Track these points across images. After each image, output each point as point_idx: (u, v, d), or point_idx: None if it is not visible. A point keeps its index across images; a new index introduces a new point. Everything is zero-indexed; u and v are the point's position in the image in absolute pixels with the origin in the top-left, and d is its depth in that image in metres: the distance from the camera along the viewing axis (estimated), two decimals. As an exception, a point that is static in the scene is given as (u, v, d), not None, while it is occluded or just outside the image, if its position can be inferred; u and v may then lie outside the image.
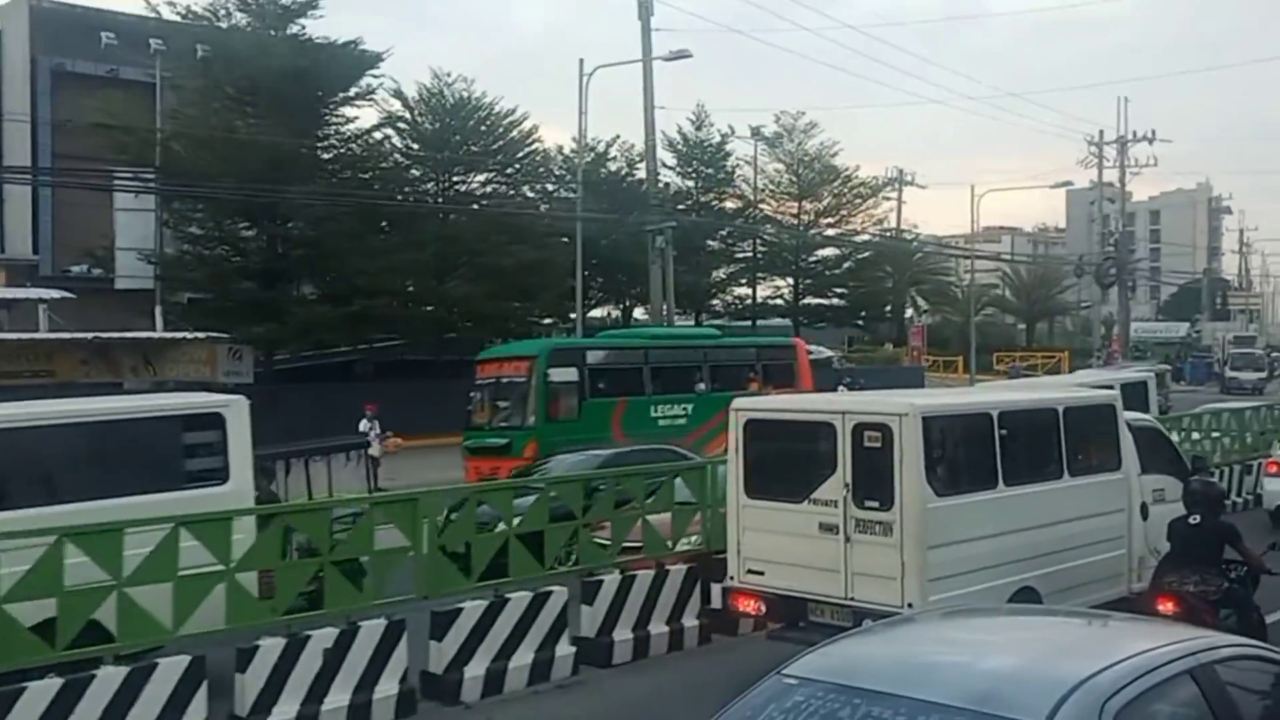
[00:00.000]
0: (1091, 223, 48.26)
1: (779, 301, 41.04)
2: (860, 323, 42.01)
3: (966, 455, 7.84)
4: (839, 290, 40.28)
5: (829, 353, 46.76)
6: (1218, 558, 7.75)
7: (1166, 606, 7.38)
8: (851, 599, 7.29)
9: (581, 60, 27.68)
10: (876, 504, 7.18)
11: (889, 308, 42.20)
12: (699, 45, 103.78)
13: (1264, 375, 45.63)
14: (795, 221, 38.82)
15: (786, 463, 8.08)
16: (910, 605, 6.87)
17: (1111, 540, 8.83)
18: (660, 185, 28.90)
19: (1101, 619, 4.38)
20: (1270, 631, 7.44)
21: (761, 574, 7.88)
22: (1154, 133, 46.26)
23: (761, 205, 38.71)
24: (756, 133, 38.03)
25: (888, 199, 40.01)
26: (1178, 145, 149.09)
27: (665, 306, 23.00)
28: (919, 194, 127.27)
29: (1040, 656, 3.53)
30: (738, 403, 8.52)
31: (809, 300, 40.99)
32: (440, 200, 27.48)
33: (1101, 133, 46.85)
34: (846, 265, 40.06)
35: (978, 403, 8.22)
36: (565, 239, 27.68)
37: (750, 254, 36.00)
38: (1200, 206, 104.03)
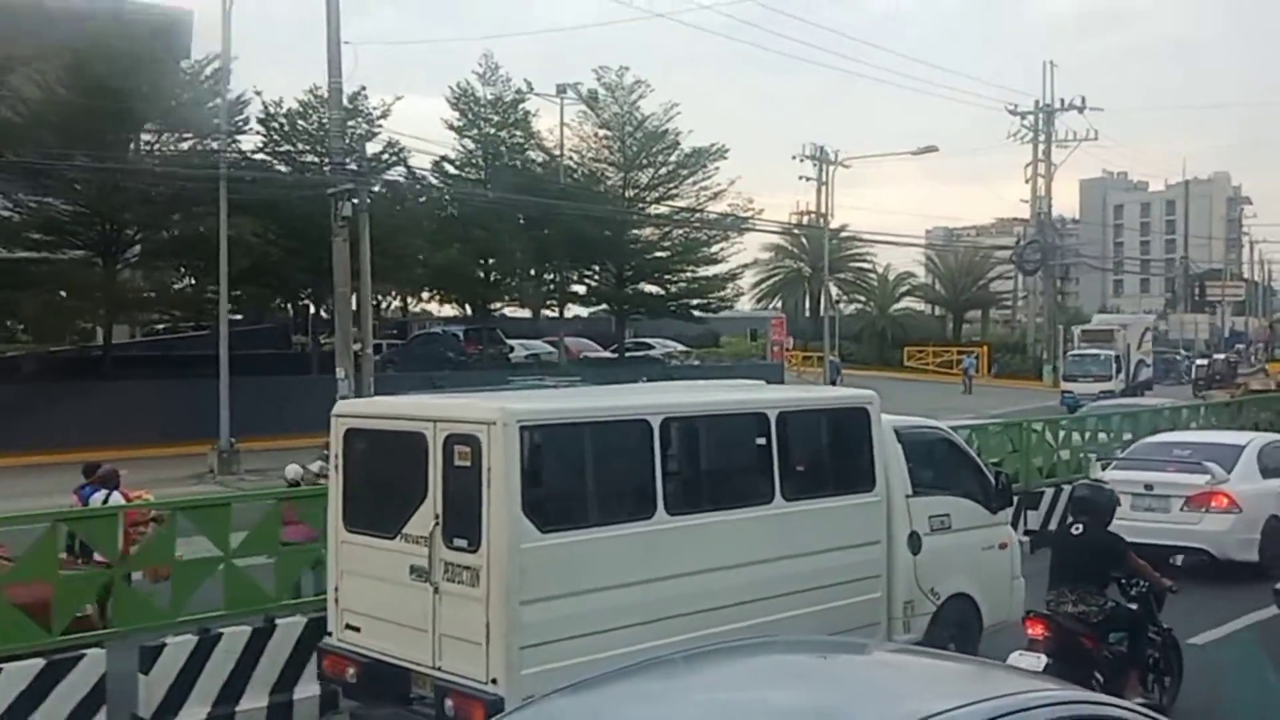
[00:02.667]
0: (1036, 203, 49.12)
1: (580, 289, 41.03)
2: (698, 313, 41.64)
3: (601, 476, 7.25)
4: (672, 276, 39.52)
5: (673, 346, 46.95)
6: (1103, 574, 7.88)
7: (1035, 631, 7.45)
8: (439, 668, 6.62)
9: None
10: (465, 542, 6.43)
11: (725, 295, 41.94)
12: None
13: (1108, 388, 37.54)
14: (623, 195, 38.06)
15: (382, 485, 7.44)
16: (495, 681, 6.05)
17: (859, 581, 8.36)
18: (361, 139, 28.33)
19: (909, 657, 4.59)
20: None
21: (359, 630, 7.17)
22: (1083, 100, 48.50)
23: (575, 175, 38.09)
24: (564, 90, 37.54)
25: (717, 167, 39.52)
26: (1199, 140, 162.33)
27: (357, 292, 21.65)
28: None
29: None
30: (340, 406, 7.77)
31: (647, 288, 40.41)
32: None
33: (1038, 103, 48.01)
34: (671, 245, 39.36)
35: (626, 407, 7.52)
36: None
37: (550, 233, 34.91)
38: (1219, 197, 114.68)
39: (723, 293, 41.78)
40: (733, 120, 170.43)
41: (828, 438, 8.62)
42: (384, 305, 44.15)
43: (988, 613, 9.21)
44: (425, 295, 43.47)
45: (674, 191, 39.35)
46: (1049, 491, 15.11)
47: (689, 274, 39.49)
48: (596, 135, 38.85)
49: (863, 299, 66.76)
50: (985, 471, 9.76)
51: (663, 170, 39.10)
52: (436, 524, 6.60)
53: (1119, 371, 41.08)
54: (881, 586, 8.51)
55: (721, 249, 40.44)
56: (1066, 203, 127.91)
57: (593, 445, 7.04)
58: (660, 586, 6.96)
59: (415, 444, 6.75)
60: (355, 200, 20.37)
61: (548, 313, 42.61)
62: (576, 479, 7.07)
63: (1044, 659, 7.19)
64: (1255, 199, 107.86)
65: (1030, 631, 7.53)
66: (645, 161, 38.80)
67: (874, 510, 8.47)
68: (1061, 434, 16.86)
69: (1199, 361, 48.28)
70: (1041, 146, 50.48)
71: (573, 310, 43.45)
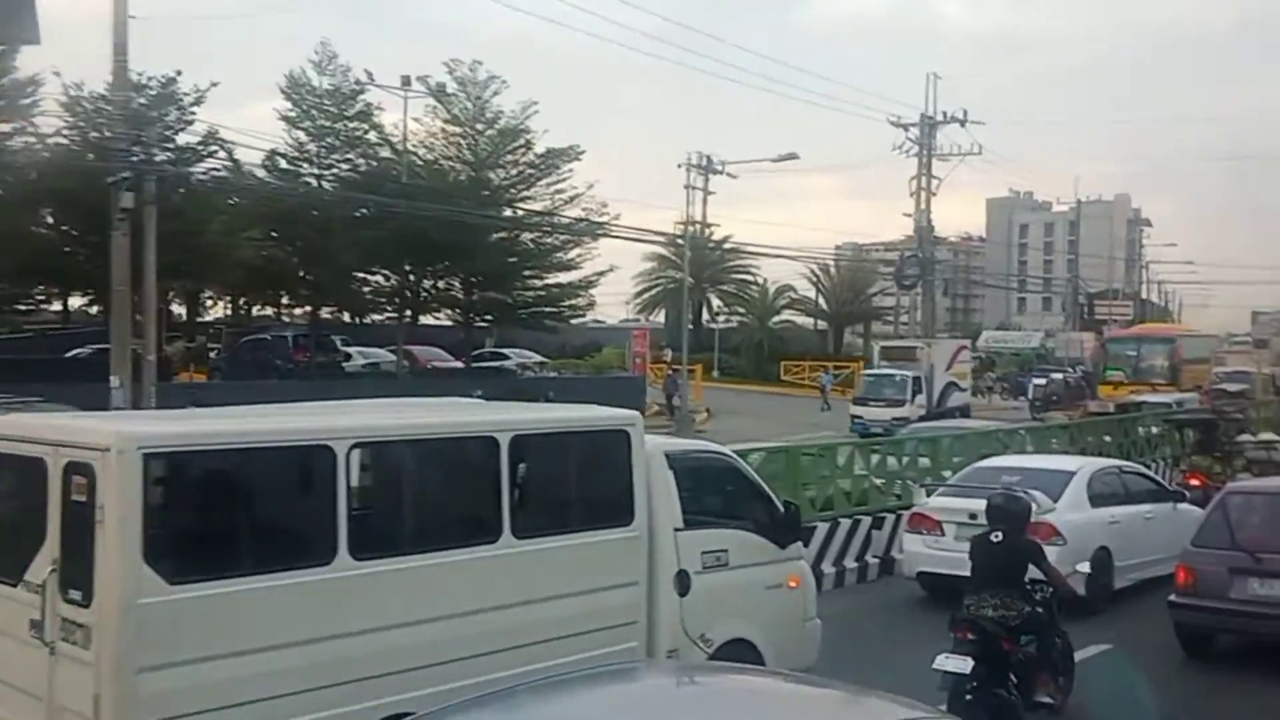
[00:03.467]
0: (917, 217, 50.02)
1: (420, 294, 40.33)
2: (551, 321, 41.24)
3: (261, 514, 6.54)
4: (520, 282, 38.98)
5: (530, 357, 46.49)
6: (1020, 579, 8.67)
7: (962, 634, 8.25)
8: None
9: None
10: (79, 595, 5.69)
11: (577, 304, 41.74)
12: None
13: (902, 414, 34.86)
14: (473, 196, 37.58)
15: (5, 520, 6.68)
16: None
17: (611, 629, 7.84)
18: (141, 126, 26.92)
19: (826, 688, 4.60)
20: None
21: None
22: (965, 113, 49.46)
23: (422, 174, 37.50)
24: (408, 83, 37.01)
25: (571, 169, 39.50)
26: (1109, 164, 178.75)
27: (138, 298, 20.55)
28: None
29: None
30: None
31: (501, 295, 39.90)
32: None
33: (924, 116, 49.12)
34: (521, 250, 38.95)
35: (299, 430, 6.75)
36: None
37: (389, 233, 34.04)
38: (1119, 218, 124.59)
39: (575, 301, 41.27)
40: (649, 132, 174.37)
41: (576, 464, 8.09)
42: (210, 307, 42.62)
43: (773, 659, 8.77)
44: (258, 298, 42.00)
45: (526, 194, 38.94)
46: (822, 526, 14.28)
47: (540, 280, 38.75)
48: (445, 132, 38.15)
49: (743, 311, 67.45)
50: (774, 501, 9.34)
51: (514, 171, 38.61)
52: (53, 571, 5.83)
53: (917, 395, 37.43)
54: (639, 634, 8.01)
55: (578, 255, 40.03)
56: (974, 221, 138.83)
57: (249, 476, 6.31)
58: (346, 645, 6.30)
59: (37, 472, 5.99)
60: (135, 190, 19.12)
61: (430, 319, 42.02)
62: (224, 518, 6.31)
63: (970, 661, 8.01)
64: (1155, 221, 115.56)
65: (957, 635, 8.32)
66: (496, 161, 38.29)
67: (631, 547, 7.97)
68: (876, 458, 16.52)
69: (1036, 380, 47.68)
70: (926, 159, 51.36)
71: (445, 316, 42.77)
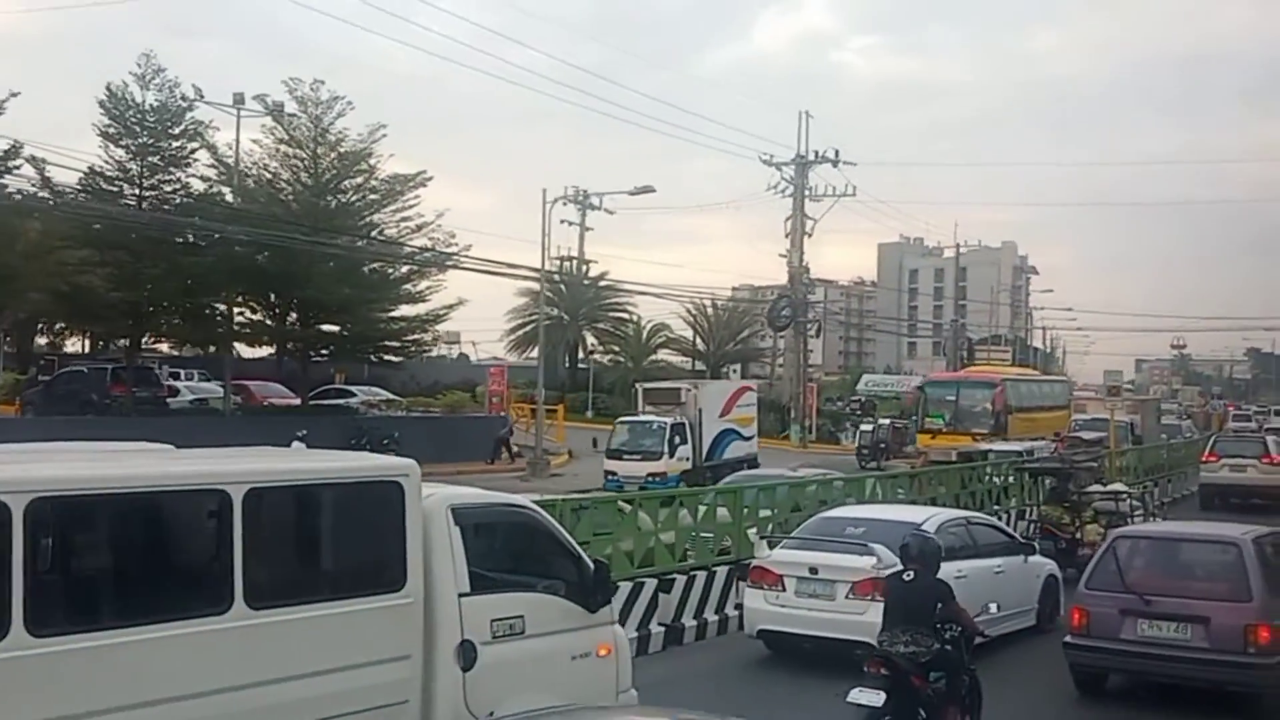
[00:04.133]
0: (791, 257, 50.84)
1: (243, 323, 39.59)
2: (380, 356, 40.57)
3: None
4: (354, 315, 38.11)
5: (379, 395, 45.66)
6: (930, 617, 9.37)
7: (875, 669, 8.94)
8: None
9: None
10: None
11: (422, 340, 41.67)
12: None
13: (659, 469, 31.87)
14: (310, 222, 36.90)
15: None
16: None
17: (374, 710, 7.24)
18: None
19: None
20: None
21: None
22: (837, 153, 52.29)
23: (259, 197, 36.78)
24: (241, 101, 36.38)
25: (417, 196, 39.11)
26: (1000, 212, 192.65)
27: None
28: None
29: None
30: None
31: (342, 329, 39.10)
32: None
33: (798, 156, 50.35)
34: (358, 280, 37.98)
35: None
36: None
37: (215, 259, 33.02)
38: (1005, 265, 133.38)
39: (420, 336, 40.53)
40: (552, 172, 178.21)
41: (335, 521, 7.50)
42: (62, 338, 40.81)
43: None
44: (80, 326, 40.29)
45: (367, 221, 38.30)
46: (650, 583, 13.81)
47: (380, 313, 37.82)
48: (282, 153, 37.44)
49: (618, 350, 67.56)
50: (583, 559, 8.86)
51: (355, 196, 38.01)
52: None
53: (678, 446, 32.94)
54: (411, 715, 7.42)
55: (427, 287, 39.46)
56: (865, 266, 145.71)
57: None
58: None
59: None
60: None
61: (256, 351, 41.19)
62: None
63: (883, 695, 8.68)
64: (1046, 271, 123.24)
65: (870, 669, 8.97)
66: (336, 185, 37.65)
67: (402, 615, 7.40)
68: (704, 509, 16.15)
69: (863, 428, 47.43)
70: (799, 199, 52.87)
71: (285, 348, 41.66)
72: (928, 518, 13.87)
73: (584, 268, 67.74)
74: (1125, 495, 20.07)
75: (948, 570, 12.63)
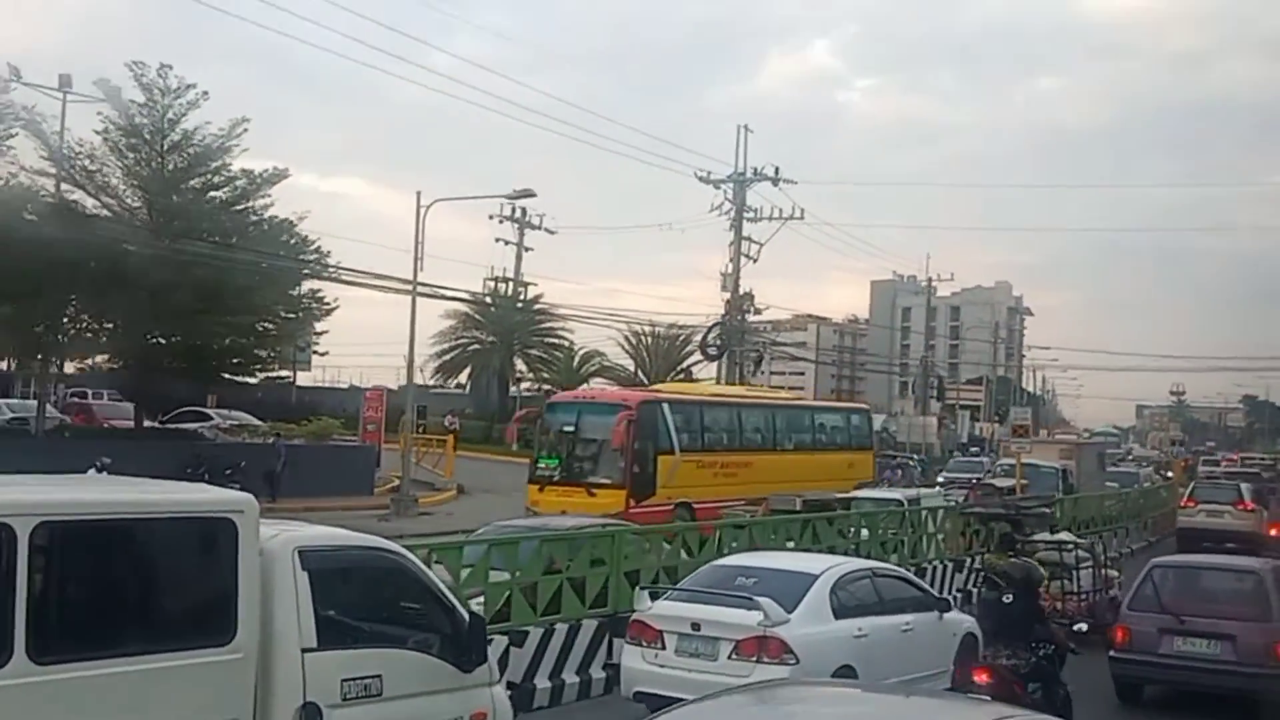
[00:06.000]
0: (727, 282, 51.34)
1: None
2: (233, 376, 40.41)
3: None
4: (192, 326, 37.65)
5: (242, 419, 45.06)
6: (1028, 635, 12.14)
7: (981, 678, 11.31)
8: None
9: None
10: None
11: (264, 355, 41.55)
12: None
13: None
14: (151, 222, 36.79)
15: None
16: None
17: None
18: None
19: (933, 696, 8.44)
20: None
21: None
22: (777, 170, 53.11)
23: (87, 188, 36.54)
24: (68, 84, 36.57)
25: (269, 196, 39.09)
26: (999, 254, 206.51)
27: None
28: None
29: None
30: None
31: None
32: None
33: (736, 173, 51.99)
34: (196, 288, 37.29)
35: None
36: None
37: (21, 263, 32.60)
38: (1000, 304, 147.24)
39: (263, 351, 40.46)
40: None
41: (149, 563, 7.39)
42: None
43: None
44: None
45: (212, 222, 38.00)
46: (535, 632, 14.20)
47: (218, 324, 37.22)
48: (116, 145, 36.97)
49: (548, 376, 69.21)
50: (456, 611, 8.84)
51: (206, 195, 38.02)
52: None
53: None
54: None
55: (305, 298, 39.15)
56: (858, 304, 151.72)
57: None
58: None
59: None
60: None
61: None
62: None
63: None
64: (1043, 314, 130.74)
65: (977, 679, 11.28)
66: (182, 182, 37.53)
67: (229, 673, 7.34)
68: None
69: None
70: (739, 219, 54.24)
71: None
72: (825, 569, 14.05)
73: (522, 290, 68.09)
74: (1071, 545, 20.49)
75: (843, 629, 13.28)
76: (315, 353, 50.83)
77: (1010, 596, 12.39)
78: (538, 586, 14.53)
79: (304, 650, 7.65)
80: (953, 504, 27.70)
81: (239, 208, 38.37)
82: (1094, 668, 15.04)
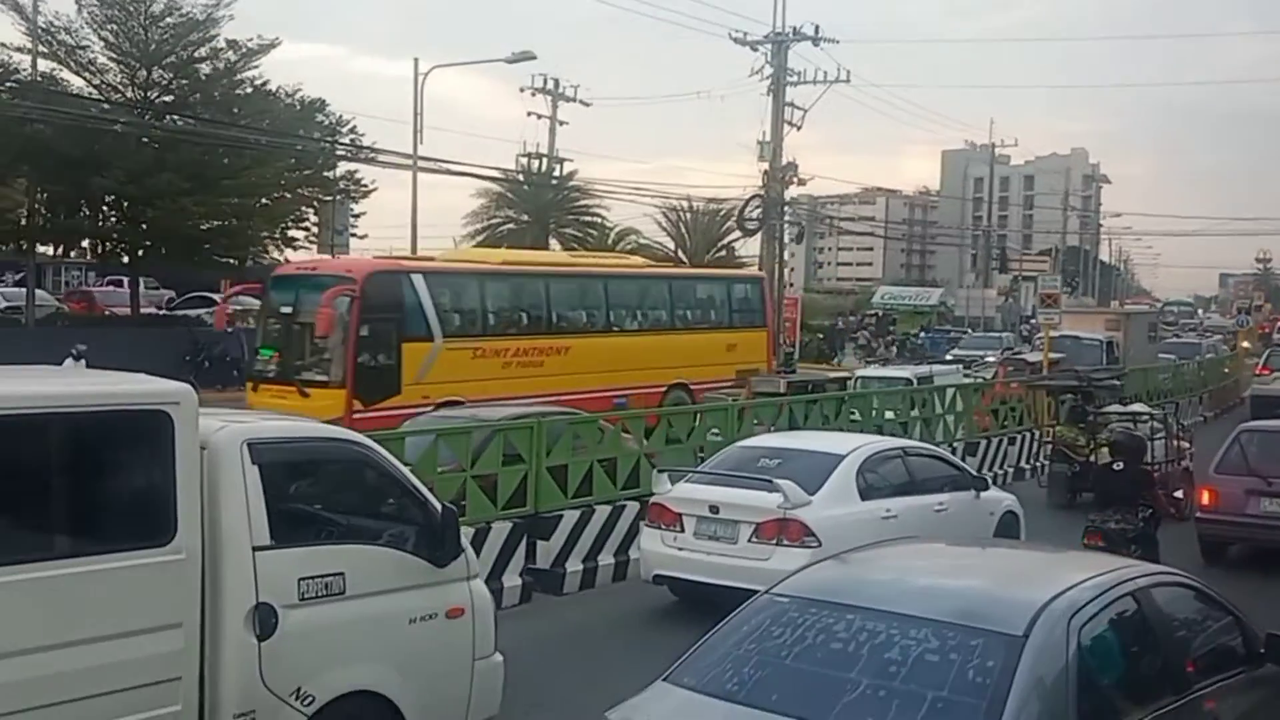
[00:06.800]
0: (764, 151, 50.73)
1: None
2: (222, 258, 41.02)
3: None
4: (173, 206, 37.76)
5: (247, 304, 45.77)
6: (1135, 500, 14.01)
7: (1094, 540, 13.42)
8: None
9: None
10: None
11: (255, 235, 41.91)
12: None
13: None
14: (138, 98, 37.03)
15: None
16: None
17: (135, 690, 7.20)
18: None
19: (1047, 551, 9.21)
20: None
21: None
22: (817, 29, 51.92)
23: (69, 64, 36.82)
24: None
25: (258, 69, 39.39)
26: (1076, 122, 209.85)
27: None
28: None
29: (1005, 580, 7.09)
30: None
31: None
32: None
33: (774, 33, 51.44)
34: (180, 166, 37.28)
35: None
36: None
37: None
38: (1076, 172, 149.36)
39: (257, 231, 40.76)
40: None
41: (77, 461, 7.33)
42: None
43: (421, 714, 8.44)
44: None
45: (197, 96, 38.30)
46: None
47: (198, 204, 37.21)
48: (94, 17, 37.14)
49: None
50: (429, 504, 8.83)
51: (192, 68, 38.05)
52: None
53: None
54: (185, 694, 7.41)
55: (343, 179, 39.22)
56: (928, 175, 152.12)
57: None
58: None
59: None
60: None
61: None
62: None
63: None
64: (1115, 181, 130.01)
65: (1087, 540, 13.45)
66: (164, 56, 37.51)
67: (169, 575, 7.33)
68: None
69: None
70: (779, 84, 52.89)
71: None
72: (853, 449, 14.38)
73: (556, 166, 67.58)
74: (1146, 416, 21.28)
75: (870, 510, 13.65)
76: (354, 235, 50.67)
77: (1120, 464, 14.31)
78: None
79: (255, 548, 7.66)
80: (979, 380, 28.83)
81: (226, 81, 38.52)
82: (1173, 533, 15.70)
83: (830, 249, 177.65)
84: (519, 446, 15.20)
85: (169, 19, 37.17)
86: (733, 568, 12.86)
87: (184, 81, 37.82)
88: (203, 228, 38.36)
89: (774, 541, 12.88)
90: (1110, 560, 7.94)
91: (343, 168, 42.65)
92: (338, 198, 42.55)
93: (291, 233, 42.49)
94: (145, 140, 34.32)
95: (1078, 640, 6.04)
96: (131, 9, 36.66)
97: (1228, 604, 7.58)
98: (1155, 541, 13.75)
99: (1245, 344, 56.95)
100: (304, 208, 42.28)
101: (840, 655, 6.14)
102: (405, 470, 9.15)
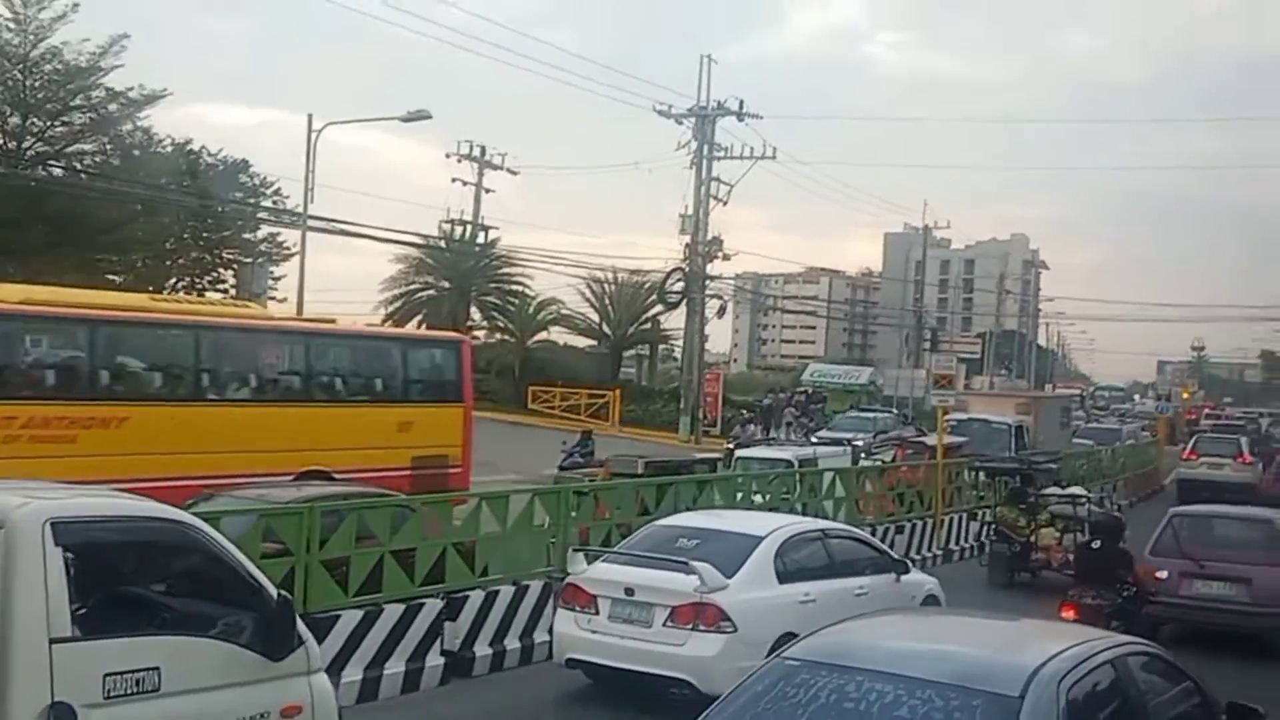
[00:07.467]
0: (688, 224, 51.26)
1: None
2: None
3: None
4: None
5: None
6: (1113, 578, 15.00)
7: (1068, 614, 14.15)
8: None
9: None
10: None
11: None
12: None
13: None
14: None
15: None
16: None
17: None
18: None
19: (1029, 623, 9.10)
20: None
21: None
22: (742, 104, 52.67)
23: None
24: None
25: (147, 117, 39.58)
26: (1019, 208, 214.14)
27: None
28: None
29: (998, 648, 7.67)
30: None
31: None
32: None
33: (696, 106, 52.59)
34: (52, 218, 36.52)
35: None
36: None
37: None
38: (1016, 257, 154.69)
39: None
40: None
41: None
42: None
43: None
44: None
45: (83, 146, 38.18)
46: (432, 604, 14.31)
47: (69, 261, 36.26)
48: None
49: (502, 324, 69.61)
50: (263, 591, 8.40)
51: (77, 117, 37.71)
52: None
53: None
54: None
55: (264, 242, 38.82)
56: (872, 257, 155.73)
57: None
58: None
59: None
60: None
61: None
62: None
63: None
64: (1061, 270, 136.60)
65: (1064, 615, 14.02)
66: (50, 102, 37.15)
67: None
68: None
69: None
70: (701, 156, 54.10)
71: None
72: (775, 528, 14.36)
73: (480, 233, 67.77)
74: (1084, 499, 22.96)
75: (787, 594, 13.50)
76: (273, 299, 50.44)
77: (1098, 542, 15.57)
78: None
79: (54, 641, 7.18)
80: (872, 463, 29.34)
81: (112, 131, 38.32)
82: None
83: (775, 325, 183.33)
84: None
85: (48, 65, 36.85)
86: (647, 653, 12.80)
87: (59, 129, 37.57)
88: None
89: (690, 626, 12.72)
90: (1087, 631, 8.64)
91: (265, 230, 42.52)
92: (258, 260, 42.22)
93: (210, 295, 41.93)
94: (10, 193, 33.58)
95: (1066, 701, 6.74)
96: (9, 52, 36.28)
97: (1189, 674, 8.30)
98: (1138, 618, 14.44)
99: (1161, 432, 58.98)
100: (222, 269, 41.90)
101: (853, 714, 6.72)
102: (238, 554, 8.63)
